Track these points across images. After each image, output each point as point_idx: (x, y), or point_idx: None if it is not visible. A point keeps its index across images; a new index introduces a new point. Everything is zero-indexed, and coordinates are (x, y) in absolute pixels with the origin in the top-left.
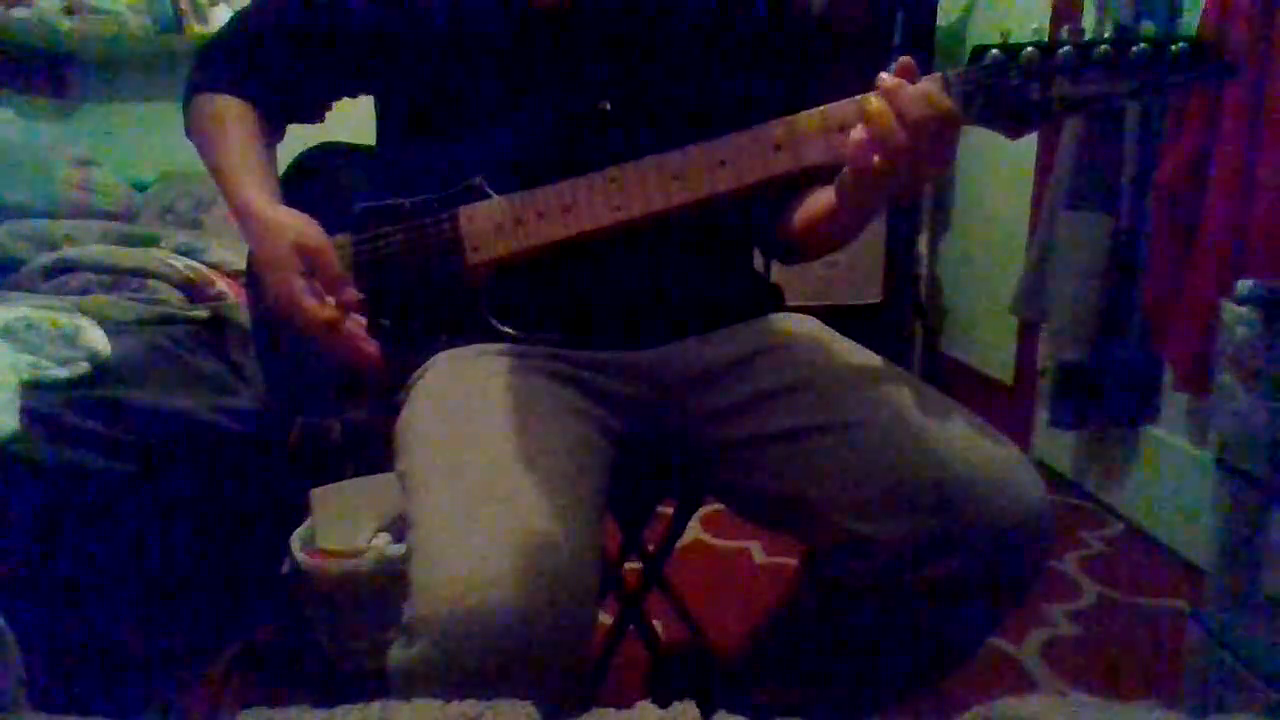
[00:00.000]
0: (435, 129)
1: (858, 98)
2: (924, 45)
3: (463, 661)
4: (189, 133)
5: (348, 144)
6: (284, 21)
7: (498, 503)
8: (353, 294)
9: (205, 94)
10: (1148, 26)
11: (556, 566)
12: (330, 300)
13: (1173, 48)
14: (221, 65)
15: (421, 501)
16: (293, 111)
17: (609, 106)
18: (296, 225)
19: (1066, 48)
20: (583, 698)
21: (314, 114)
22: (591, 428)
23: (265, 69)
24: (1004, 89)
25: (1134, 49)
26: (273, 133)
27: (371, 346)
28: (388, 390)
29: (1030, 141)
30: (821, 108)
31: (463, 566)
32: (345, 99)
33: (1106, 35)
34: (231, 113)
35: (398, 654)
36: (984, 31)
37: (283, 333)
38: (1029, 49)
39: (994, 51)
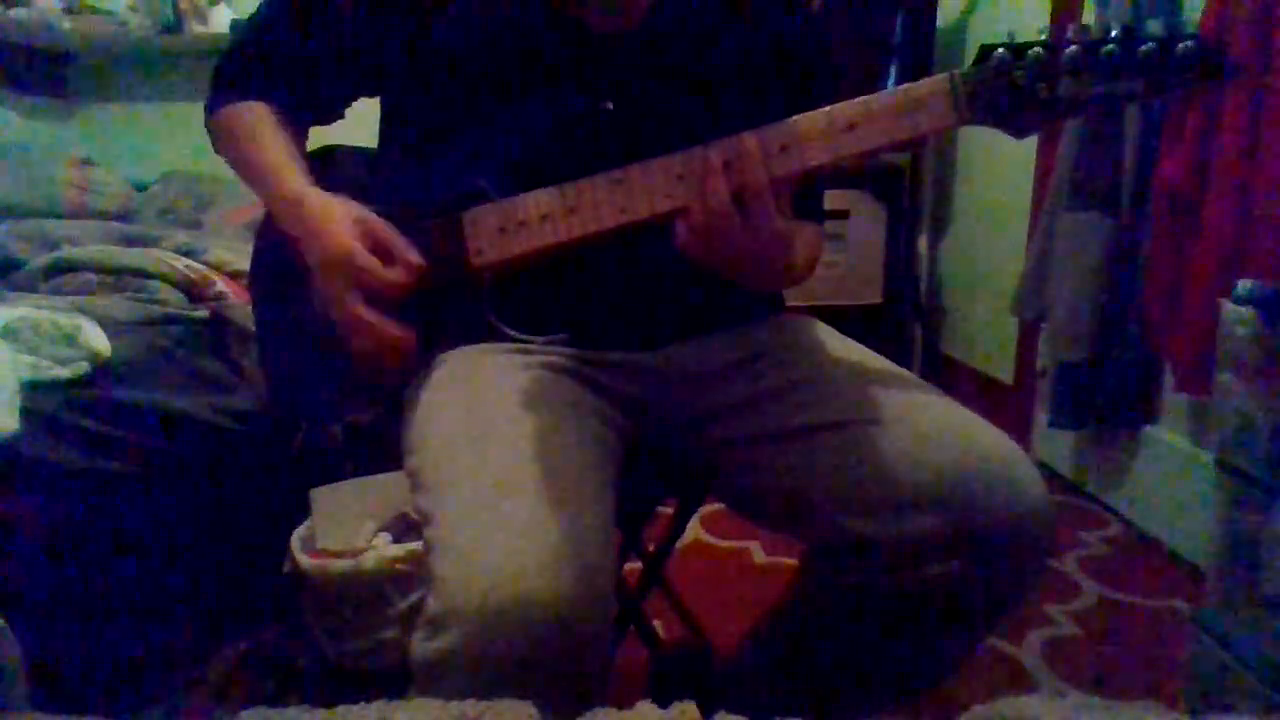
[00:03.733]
0: (438, 131)
1: (862, 99)
2: (924, 45)
3: (498, 651)
4: (216, 148)
5: (349, 147)
6: (293, 28)
7: (522, 495)
8: (417, 258)
9: (227, 106)
10: (1154, 25)
11: (583, 556)
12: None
13: (1180, 47)
14: (239, 76)
15: (441, 496)
16: (312, 112)
17: (611, 107)
18: (352, 205)
19: (1073, 47)
20: (602, 688)
21: (332, 114)
22: (602, 423)
23: (281, 75)
24: (1011, 89)
25: (1141, 48)
26: (298, 134)
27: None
28: (391, 392)
29: (1030, 141)
30: (826, 109)
31: (493, 559)
32: (361, 98)
33: (1113, 34)
34: (259, 114)
35: (424, 647)
36: (984, 32)
37: (292, 334)
38: (1036, 48)
39: (1000, 51)
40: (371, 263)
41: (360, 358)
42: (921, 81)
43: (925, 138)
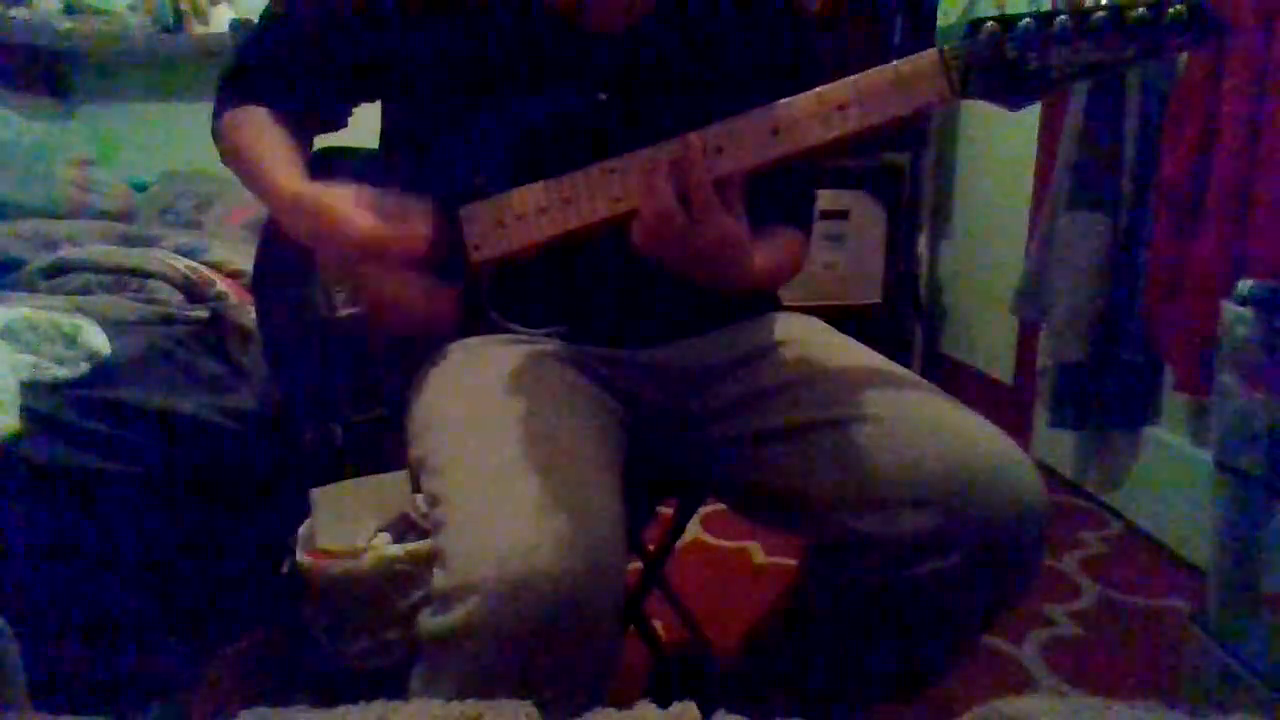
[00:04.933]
0: (435, 128)
1: (852, 78)
2: (924, 45)
3: (510, 624)
4: (222, 157)
5: (349, 148)
6: (294, 35)
7: (532, 474)
8: (426, 208)
9: (230, 111)
10: None
11: (594, 534)
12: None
13: (1170, 11)
14: (242, 85)
15: (451, 476)
16: (316, 119)
17: (605, 98)
18: (346, 188)
19: (1063, 16)
20: (611, 668)
21: (337, 121)
22: (605, 410)
23: (283, 83)
24: (1002, 61)
25: (1132, 14)
26: (302, 141)
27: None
28: (395, 389)
29: (1031, 141)
30: (816, 90)
31: (505, 534)
32: (364, 104)
33: (1104, 2)
34: (259, 117)
35: (434, 622)
36: None
37: (298, 335)
38: (1026, 19)
39: (990, 24)
40: (389, 232)
41: (416, 326)
42: (912, 57)
43: (919, 115)
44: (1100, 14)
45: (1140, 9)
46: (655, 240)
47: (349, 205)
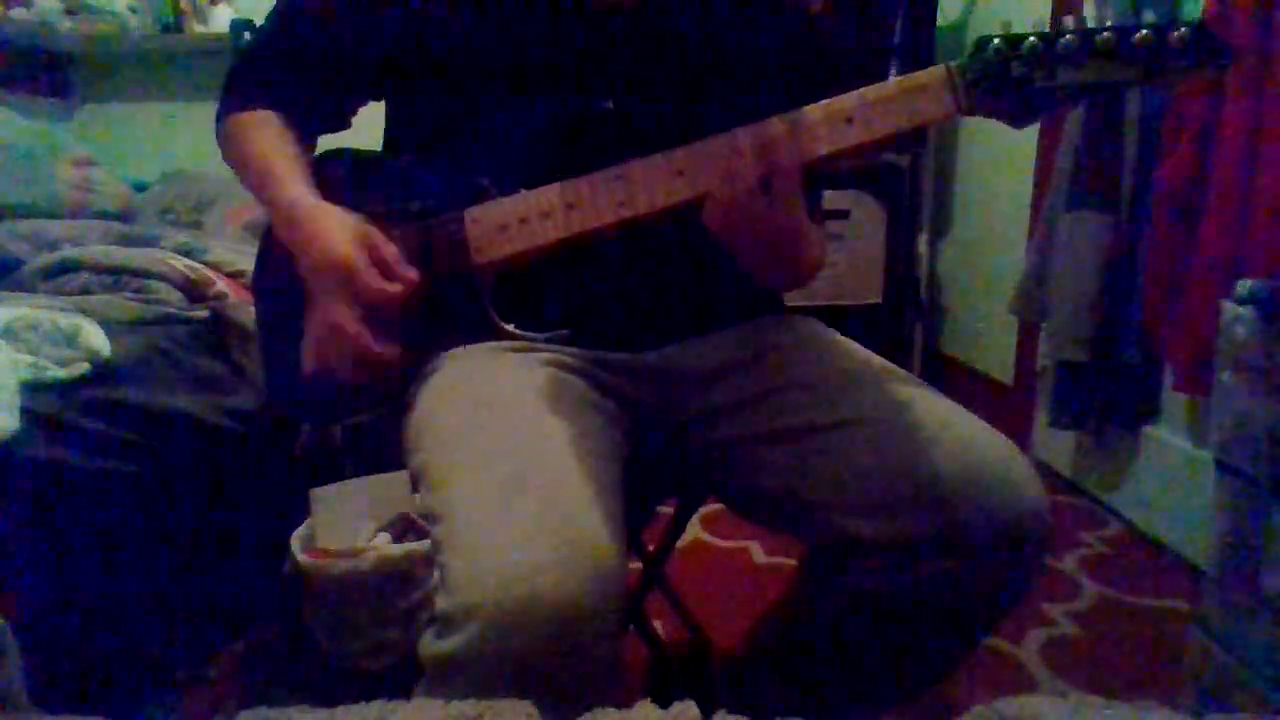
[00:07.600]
0: (441, 131)
1: (859, 90)
2: (924, 45)
3: (512, 648)
4: (225, 156)
5: (353, 150)
6: (299, 36)
7: (534, 492)
8: (414, 274)
9: (235, 114)
10: (1149, 17)
11: (595, 552)
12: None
13: (1174, 34)
14: (248, 85)
15: (450, 493)
16: (320, 120)
17: (611, 106)
18: (351, 215)
19: (1069, 37)
20: (614, 683)
21: (340, 122)
22: (608, 421)
23: (288, 83)
24: (1007, 79)
25: (1136, 36)
26: (305, 142)
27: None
28: (394, 392)
29: (1031, 141)
30: (824, 101)
31: (506, 556)
32: (371, 101)
33: (1109, 24)
34: (263, 121)
35: (436, 645)
36: (985, 31)
37: (297, 337)
38: (1031, 39)
39: (997, 42)
40: (370, 273)
41: (331, 365)
42: (919, 72)
43: (924, 129)
44: (1106, 34)
45: (1144, 31)
46: (732, 223)
47: (346, 231)
